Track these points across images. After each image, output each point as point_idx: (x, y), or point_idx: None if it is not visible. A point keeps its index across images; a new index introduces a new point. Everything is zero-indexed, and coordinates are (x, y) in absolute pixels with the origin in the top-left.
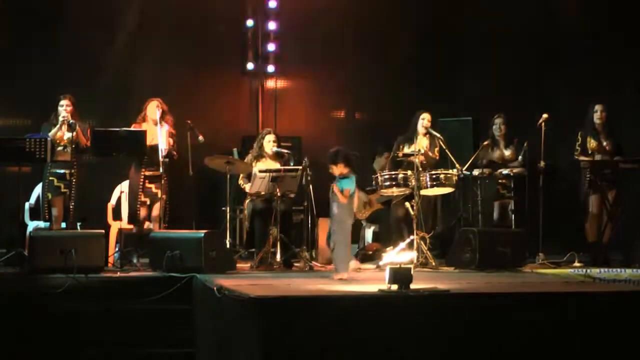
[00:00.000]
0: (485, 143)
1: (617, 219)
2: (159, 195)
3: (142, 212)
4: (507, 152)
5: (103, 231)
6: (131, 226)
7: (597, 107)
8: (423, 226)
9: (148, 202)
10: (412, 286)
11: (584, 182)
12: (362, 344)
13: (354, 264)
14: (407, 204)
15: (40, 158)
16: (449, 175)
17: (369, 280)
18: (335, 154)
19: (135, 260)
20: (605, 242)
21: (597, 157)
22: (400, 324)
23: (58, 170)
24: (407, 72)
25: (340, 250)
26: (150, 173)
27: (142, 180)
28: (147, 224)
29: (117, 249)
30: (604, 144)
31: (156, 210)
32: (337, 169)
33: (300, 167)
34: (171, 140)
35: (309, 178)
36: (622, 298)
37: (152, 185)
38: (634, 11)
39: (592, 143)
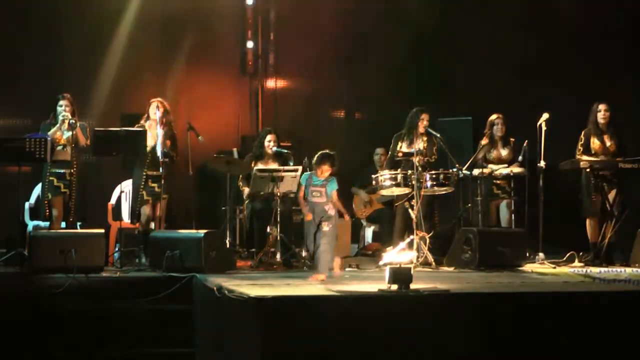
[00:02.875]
0: (484, 143)
1: (618, 219)
2: (161, 195)
3: (147, 210)
4: (505, 152)
5: (103, 231)
6: (132, 225)
7: (601, 107)
8: (423, 226)
9: (151, 201)
10: (412, 286)
11: (585, 183)
12: (362, 344)
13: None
14: (407, 204)
15: (40, 158)
16: (448, 175)
17: (369, 280)
18: (333, 157)
19: (144, 260)
20: (606, 242)
21: (601, 157)
22: (400, 324)
23: (58, 170)
24: (406, 72)
25: (330, 254)
26: (152, 172)
27: (144, 178)
28: (151, 224)
29: (117, 249)
30: (608, 144)
31: (158, 210)
32: (327, 172)
33: (300, 167)
34: (168, 142)
35: None
36: (622, 298)
37: (155, 185)
38: (634, 11)
39: (595, 143)
